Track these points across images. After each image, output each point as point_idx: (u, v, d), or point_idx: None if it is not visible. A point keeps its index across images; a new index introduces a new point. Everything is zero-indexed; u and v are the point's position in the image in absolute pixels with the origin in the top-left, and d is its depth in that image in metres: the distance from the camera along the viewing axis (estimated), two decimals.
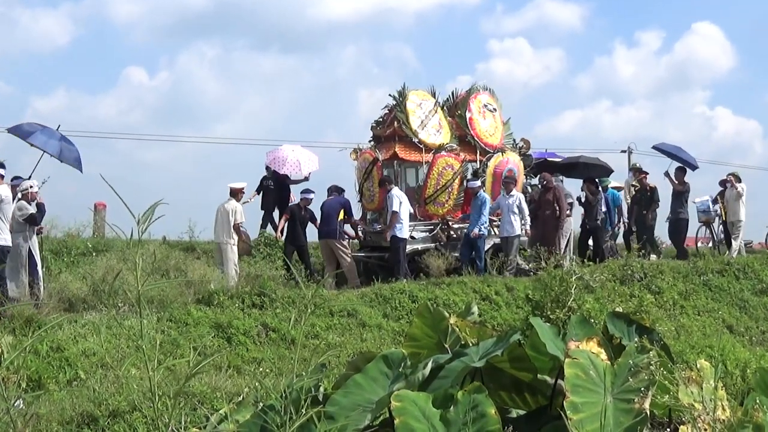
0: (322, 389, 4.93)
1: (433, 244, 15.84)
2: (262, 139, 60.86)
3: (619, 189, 19.25)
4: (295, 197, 17.18)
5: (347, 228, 15.57)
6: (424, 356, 5.16)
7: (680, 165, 18.47)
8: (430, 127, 16.04)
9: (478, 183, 15.81)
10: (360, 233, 16.23)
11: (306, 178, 17.25)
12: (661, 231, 19.08)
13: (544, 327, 5.27)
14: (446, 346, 5.35)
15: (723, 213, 18.78)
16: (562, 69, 77.68)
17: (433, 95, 16.69)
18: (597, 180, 18.05)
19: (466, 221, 15.83)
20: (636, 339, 5.33)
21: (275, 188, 17.37)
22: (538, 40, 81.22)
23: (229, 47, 75.17)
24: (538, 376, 5.17)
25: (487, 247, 15.79)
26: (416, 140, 15.76)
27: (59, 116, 63.89)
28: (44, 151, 13.32)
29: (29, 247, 12.01)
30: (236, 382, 8.42)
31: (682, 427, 4.43)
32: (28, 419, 6.48)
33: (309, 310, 3.81)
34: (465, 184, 16.08)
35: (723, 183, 18.95)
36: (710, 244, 19.68)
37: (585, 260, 14.60)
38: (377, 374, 4.82)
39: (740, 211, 18.16)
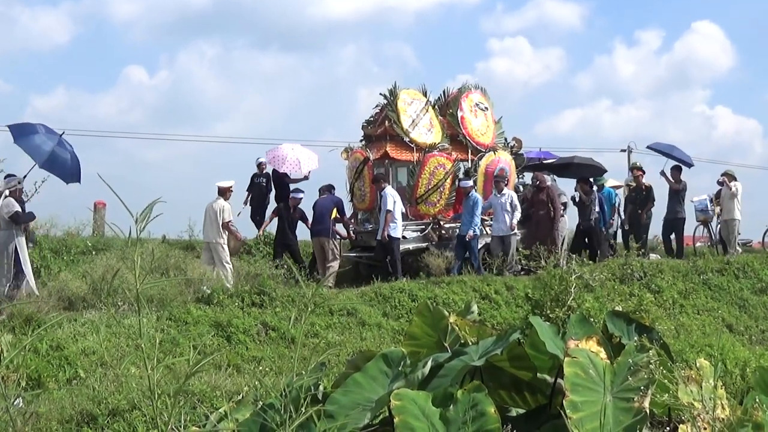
0: (321, 388, 4.93)
1: (424, 244, 15.80)
2: (262, 138, 60.94)
3: (617, 188, 19.26)
4: (292, 197, 17.20)
5: (339, 227, 15.53)
6: (423, 355, 5.15)
7: (676, 164, 18.50)
8: (422, 126, 16.04)
9: (470, 183, 15.79)
10: (351, 233, 16.18)
11: (306, 177, 17.24)
12: (657, 230, 19.13)
13: (544, 326, 5.27)
14: (446, 344, 5.35)
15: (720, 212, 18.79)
16: (562, 68, 77.76)
17: (425, 94, 16.67)
18: (591, 179, 18.07)
19: (458, 221, 15.81)
20: (635, 338, 5.33)
21: (275, 187, 17.38)
22: (538, 40, 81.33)
23: (229, 46, 75.25)
24: (538, 374, 5.17)
25: (479, 246, 15.78)
26: (407, 139, 15.75)
27: (59, 115, 64.00)
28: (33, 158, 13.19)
29: (15, 246, 11.97)
30: (236, 380, 8.42)
31: (681, 426, 4.43)
32: (27, 418, 6.49)
33: (309, 309, 3.81)
34: (457, 183, 16.05)
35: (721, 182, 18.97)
36: (708, 244, 19.66)
37: (584, 260, 14.60)
38: (377, 373, 4.82)
39: (734, 210, 18.11)
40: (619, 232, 19.14)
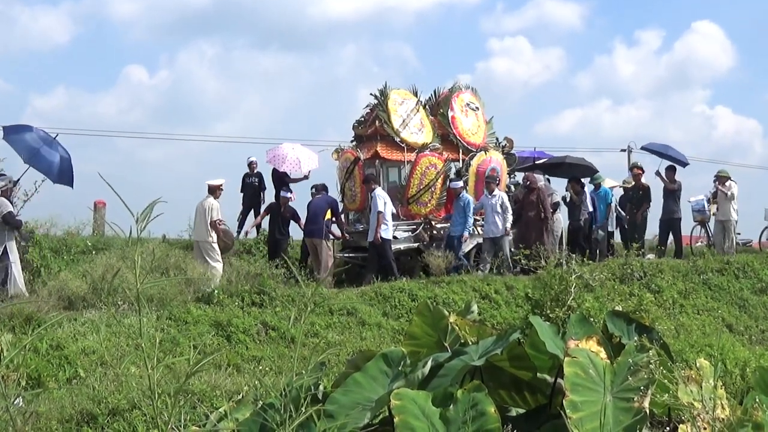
0: (321, 388, 4.94)
1: (415, 244, 15.75)
2: (262, 138, 60.86)
3: (612, 188, 19.24)
4: (294, 196, 17.22)
5: (333, 228, 15.48)
6: (423, 355, 5.16)
7: (670, 164, 18.51)
8: (412, 126, 16.00)
9: (461, 183, 15.76)
10: (344, 233, 16.13)
11: (306, 177, 17.24)
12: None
13: (544, 326, 5.27)
14: (446, 344, 5.35)
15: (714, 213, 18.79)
16: (562, 68, 77.73)
17: (415, 94, 16.63)
18: (588, 178, 18.07)
19: (449, 221, 15.79)
20: (635, 338, 5.33)
21: (276, 186, 17.39)
22: (538, 39, 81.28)
23: (229, 45, 75.25)
24: (538, 374, 5.17)
25: (470, 247, 15.73)
26: (398, 139, 15.71)
27: (59, 115, 63.95)
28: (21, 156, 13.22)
29: (5, 246, 11.97)
30: (236, 380, 8.42)
31: (681, 425, 4.43)
32: (27, 417, 6.49)
33: (309, 309, 3.81)
34: (448, 183, 16.00)
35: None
36: (706, 244, 19.64)
37: (583, 259, 14.59)
38: (377, 373, 4.82)
39: (730, 211, 18.07)
40: (617, 232, 19.15)
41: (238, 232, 17.96)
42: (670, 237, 18.70)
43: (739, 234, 20.97)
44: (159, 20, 70.68)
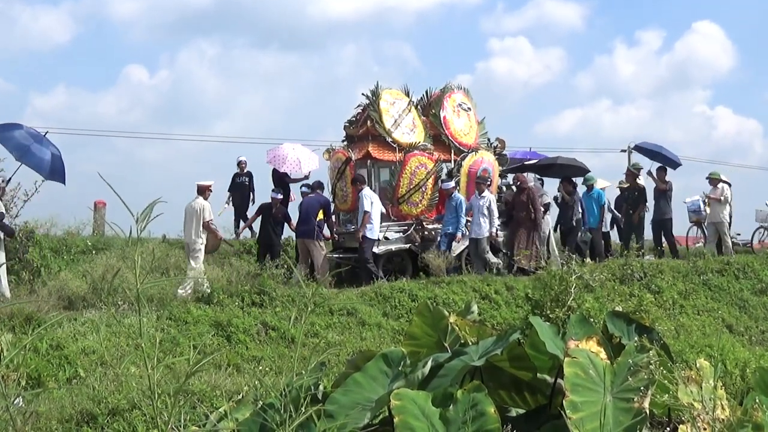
0: (321, 388, 4.93)
1: (407, 245, 15.68)
2: (262, 138, 60.79)
3: (605, 188, 19.18)
4: (295, 196, 17.24)
5: (325, 229, 15.39)
6: (423, 355, 5.15)
7: (661, 164, 18.50)
8: (404, 126, 15.91)
9: (452, 184, 15.70)
10: (335, 234, 16.05)
11: (306, 177, 17.25)
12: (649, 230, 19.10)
13: (544, 326, 5.27)
14: (446, 344, 5.35)
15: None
16: (562, 68, 77.69)
17: (407, 94, 16.55)
18: (581, 179, 18.06)
19: (441, 222, 15.75)
20: (635, 338, 5.33)
21: (276, 187, 17.38)
22: (539, 39, 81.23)
23: (229, 45, 75.22)
24: (538, 375, 5.17)
25: (462, 247, 15.68)
26: (389, 139, 15.62)
27: (59, 114, 63.89)
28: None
29: None
30: (236, 380, 8.42)
31: (681, 426, 4.43)
32: (27, 417, 6.49)
33: (309, 309, 3.81)
34: (439, 183, 15.94)
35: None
36: (702, 244, 19.64)
37: (583, 259, 14.59)
38: (377, 373, 4.82)
39: (721, 212, 18.04)
40: (613, 232, 19.17)
41: (237, 232, 17.94)
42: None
43: (738, 235, 21.01)
44: (159, 20, 70.72)
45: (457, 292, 13.68)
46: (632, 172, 18.79)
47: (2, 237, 12.20)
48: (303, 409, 3.60)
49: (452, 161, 16.55)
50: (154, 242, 15.63)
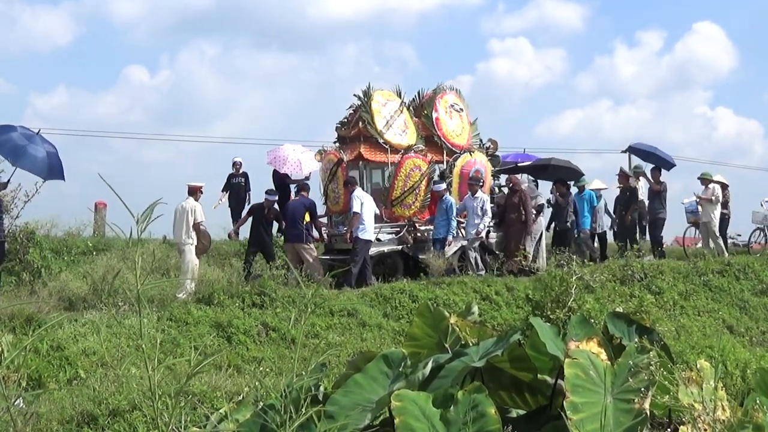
0: (322, 389, 4.94)
1: (399, 246, 15.60)
2: (262, 139, 60.85)
3: (601, 189, 19.10)
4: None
5: (314, 230, 15.17)
6: (424, 356, 5.15)
7: (655, 165, 18.48)
8: (396, 127, 15.80)
9: (443, 186, 15.62)
10: (325, 235, 15.89)
11: (307, 178, 17.20)
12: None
13: (545, 327, 5.27)
14: (446, 345, 5.35)
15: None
16: (563, 69, 77.71)
17: (399, 95, 16.46)
18: (572, 181, 18.04)
19: (433, 223, 15.68)
20: (636, 339, 5.33)
21: (277, 188, 17.36)
22: (539, 40, 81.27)
23: (230, 46, 75.25)
24: (538, 376, 5.17)
25: (455, 249, 15.60)
26: (381, 141, 15.51)
27: (59, 115, 63.90)
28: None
29: None
30: (236, 381, 8.42)
31: (682, 427, 4.43)
32: (28, 418, 6.49)
33: (309, 310, 3.81)
34: (431, 185, 15.84)
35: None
36: (699, 245, 19.62)
37: (584, 261, 14.59)
38: (377, 374, 4.82)
39: (712, 213, 18.03)
40: (610, 233, 19.12)
41: (230, 234, 17.83)
42: (667, 238, 18.73)
43: (739, 236, 21.01)
44: (160, 20, 70.80)
45: (458, 293, 13.68)
46: (625, 174, 18.78)
47: None
48: (303, 410, 3.60)
49: (444, 162, 16.45)
50: (154, 243, 15.62)
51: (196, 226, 13.52)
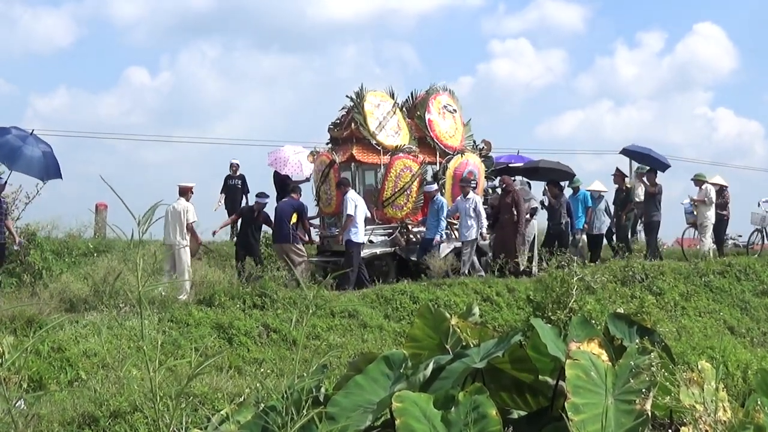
0: (323, 390, 4.94)
1: (391, 248, 15.57)
2: (263, 140, 60.85)
3: (600, 191, 19.05)
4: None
5: (301, 232, 15.08)
6: (425, 357, 5.15)
7: (650, 167, 18.46)
8: (389, 128, 15.72)
9: (435, 187, 15.58)
10: (314, 237, 15.85)
11: (307, 179, 17.21)
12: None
13: (545, 328, 5.27)
14: (447, 347, 5.34)
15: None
16: (563, 70, 77.70)
17: (392, 96, 16.38)
18: (567, 182, 18.02)
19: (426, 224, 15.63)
20: (637, 340, 5.32)
21: (277, 189, 17.37)
22: (540, 41, 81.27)
23: (230, 47, 75.26)
24: (539, 377, 5.17)
25: (447, 251, 15.53)
26: (374, 142, 15.44)
27: (60, 116, 63.93)
28: None
29: None
30: (237, 382, 8.43)
31: (683, 428, 4.42)
32: (29, 420, 6.50)
33: (310, 311, 3.81)
34: (424, 186, 15.78)
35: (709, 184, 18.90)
36: (698, 246, 19.60)
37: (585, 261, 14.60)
38: (378, 375, 4.82)
39: (705, 213, 18.02)
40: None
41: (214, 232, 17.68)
42: (668, 239, 18.72)
43: (740, 236, 21.00)
44: (160, 22, 70.82)
45: (459, 294, 13.67)
46: (621, 174, 18.76)
47: None
48: (304, 411, 3.60)
49: (437, 164, 16.39)
50: (155, 245, 15.59)
51: (189, 227, 13.49)
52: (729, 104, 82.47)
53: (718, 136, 72.23)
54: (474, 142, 17.54)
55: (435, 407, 4.38)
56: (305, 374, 4.04)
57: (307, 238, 15.31)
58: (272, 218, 15.05)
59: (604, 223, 18.20)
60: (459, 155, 16.50)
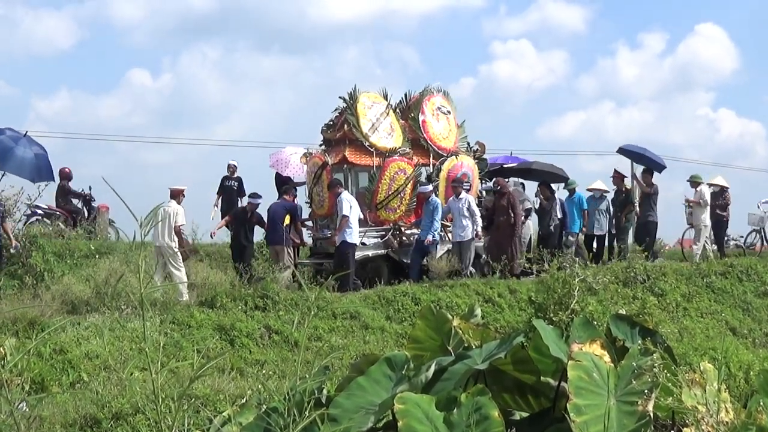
0: (325, 392, 4.94)
1: (384, 251, 15.47)
2: (264, 141, 60.78)
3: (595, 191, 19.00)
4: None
5: (294, 234, 15.10)
6: (427, 358, 5.15)
7: (646, 167, 18.45)
8: (382, 130, 15.60)
9: (430, 188, 15.46)
10: (306, 239, 15.77)
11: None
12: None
13: (547, 329, 5.27)
14: (449, 348, 5.35)
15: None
16: (565, 71, 77.55)
17: (385, 97, 16.26)
18: (552, 185, 18.00)
19: (419, 227, 15.51)
20: (639, 341, 5.32)
21: (278, 190, 17.36)
22: (542, 42, 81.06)
23: (231, 48, 75.22)
24: (542, 378, 5.17)
25: (441, 252, 15.44)
26: (367, 144, 15.31)
27: (62, 118, 63.87)
28: None
29: None
30: (239, 384, 8.43)
31: (685, 429, 4.42)
32: (31, 421, 6.50)
33: (312, 313, 3.81)
34: (418, 188, 15.66)
35: (709, 185, 18.89)
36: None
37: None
38: (380, 376, 4.82)
39: (700, 215, 18.00)
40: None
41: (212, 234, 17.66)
42: (669, 240, 18.69)
43: (741, 237, 21.01)
44: (161, 23, 70.73)
45: (461, 296, 13.66)
46: (620, 175, 18.74)
47: None
48: (307, 413, 3.59)
49: (431, 165, 16.30)
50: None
51: (177, 230, 13.48)
52: (731, 105, 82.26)
53: (720, 137, 72.07)
54: (468, 143, 17.45)
55: (437, 409, 4.38)
56: (307, 376, 4.04)
57: (298, 240, 15.26)
58: (264, 220, 15.05)
59: (604, 224, 18.14)
60: (453, 157, 16.39)
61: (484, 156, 17.88)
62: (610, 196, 18.45)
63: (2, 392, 3.26)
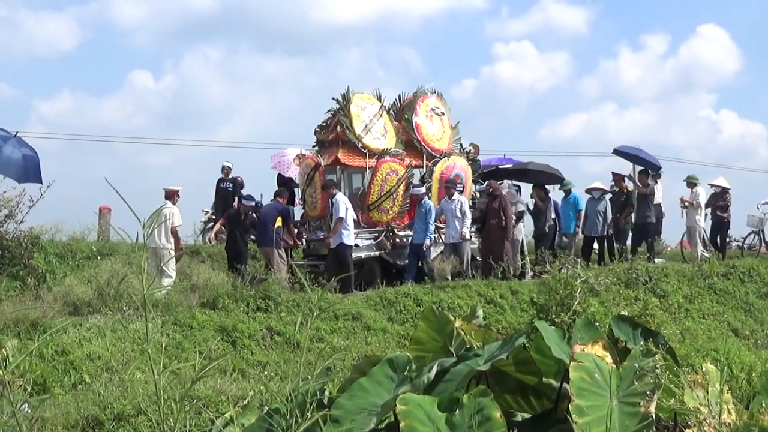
0: (327, 393, 4.93)
1: (377, 252, 15.48)
2: (265, 143, 60.74)
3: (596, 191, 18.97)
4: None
5: (286, 236, 15.05)
6: (429, 360, 5.15)
7: (642, 167, 18.45)
8: (375, 131, 15.63)
9: (422, 190, 15.49)
10: (298, 241, 15.79)
11: None
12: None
13: (549, 330, 5.26)
14: (451, 349, 5.34)
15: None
16: (567, 72, 77.56)
17: (379, 99, 16.30)
18: (547, 186, 17.99)
19: (412, 228, 15.51)
20: (641, 342, 5.31)
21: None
22: (544, 44, 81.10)
23: (233, 50, 75.31)
24: (543, 379, 5.16)
25: (435, 254, 15.47)
26: (360, 145, 15.34)
27: (64, 120, 63.97)
28: None
29: None
30: (241, 385, 8.42)
31: (687, 430, 4.42)
32: (33, 423, 6.50)
33: (314, 314, 3.81)
34: (410, 189, 15.68)
35: (710, 186, 18.90)
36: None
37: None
38: (382, 378, 4.81)
39: (694, 216, 17.98)
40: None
41: (209, 238, 17.68)
42: (670, 241, 18.68)
43: (742, 238, 21.00)
44: (164, 25, 70.86)
45: (462, 297, 13.67)
46: (619, 176, 18.73)
47: None
48: (309, 414, 3.60)
49: (424, 167, 16.31)
50: None
51: (173, 231, 13.47)
52: (733, 106, 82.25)
53: (722, 138, 72.09)
54: (461, 145, 17.45)
55: (439, 410, 4.38)
56: (309, 377, 4.05)
57: (291, 242, 15.27)
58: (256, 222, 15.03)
59: (600, 225, 18.02)
60: (446, 158, 16.40)
61: (478, 158, 17.86)
62: (609, 196, 18.47)
63: (4, 393, 3.26)
